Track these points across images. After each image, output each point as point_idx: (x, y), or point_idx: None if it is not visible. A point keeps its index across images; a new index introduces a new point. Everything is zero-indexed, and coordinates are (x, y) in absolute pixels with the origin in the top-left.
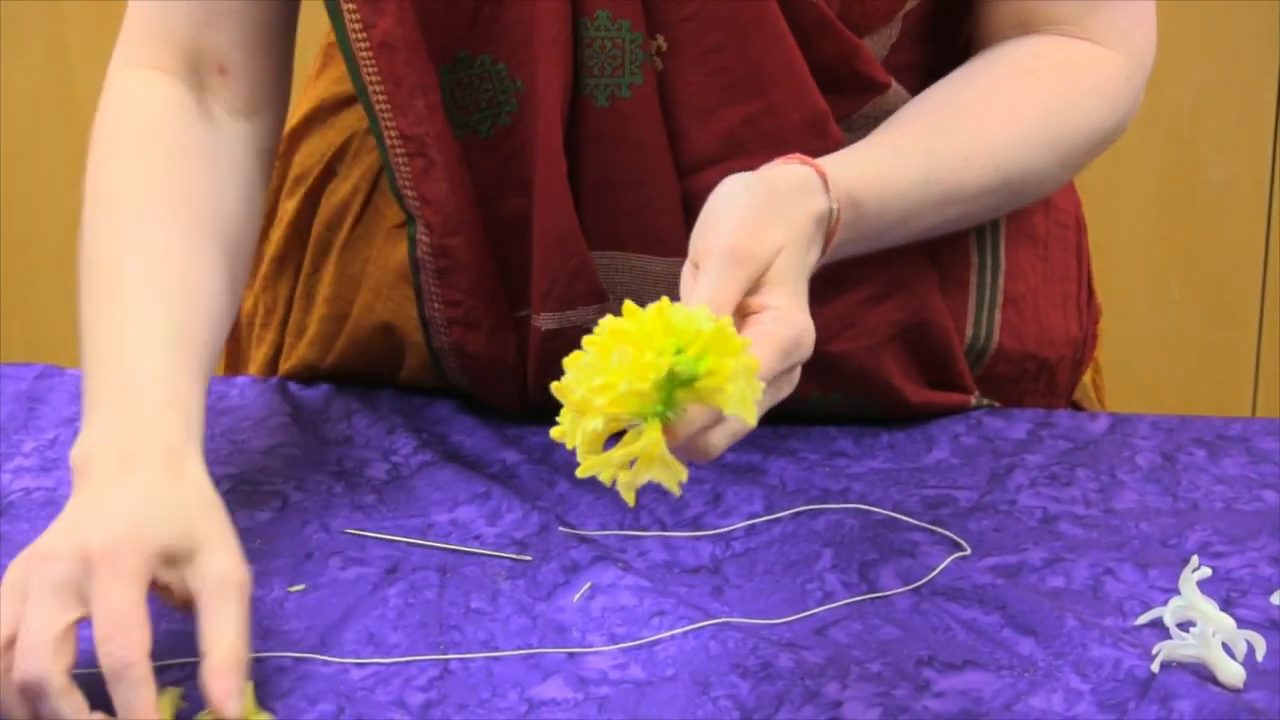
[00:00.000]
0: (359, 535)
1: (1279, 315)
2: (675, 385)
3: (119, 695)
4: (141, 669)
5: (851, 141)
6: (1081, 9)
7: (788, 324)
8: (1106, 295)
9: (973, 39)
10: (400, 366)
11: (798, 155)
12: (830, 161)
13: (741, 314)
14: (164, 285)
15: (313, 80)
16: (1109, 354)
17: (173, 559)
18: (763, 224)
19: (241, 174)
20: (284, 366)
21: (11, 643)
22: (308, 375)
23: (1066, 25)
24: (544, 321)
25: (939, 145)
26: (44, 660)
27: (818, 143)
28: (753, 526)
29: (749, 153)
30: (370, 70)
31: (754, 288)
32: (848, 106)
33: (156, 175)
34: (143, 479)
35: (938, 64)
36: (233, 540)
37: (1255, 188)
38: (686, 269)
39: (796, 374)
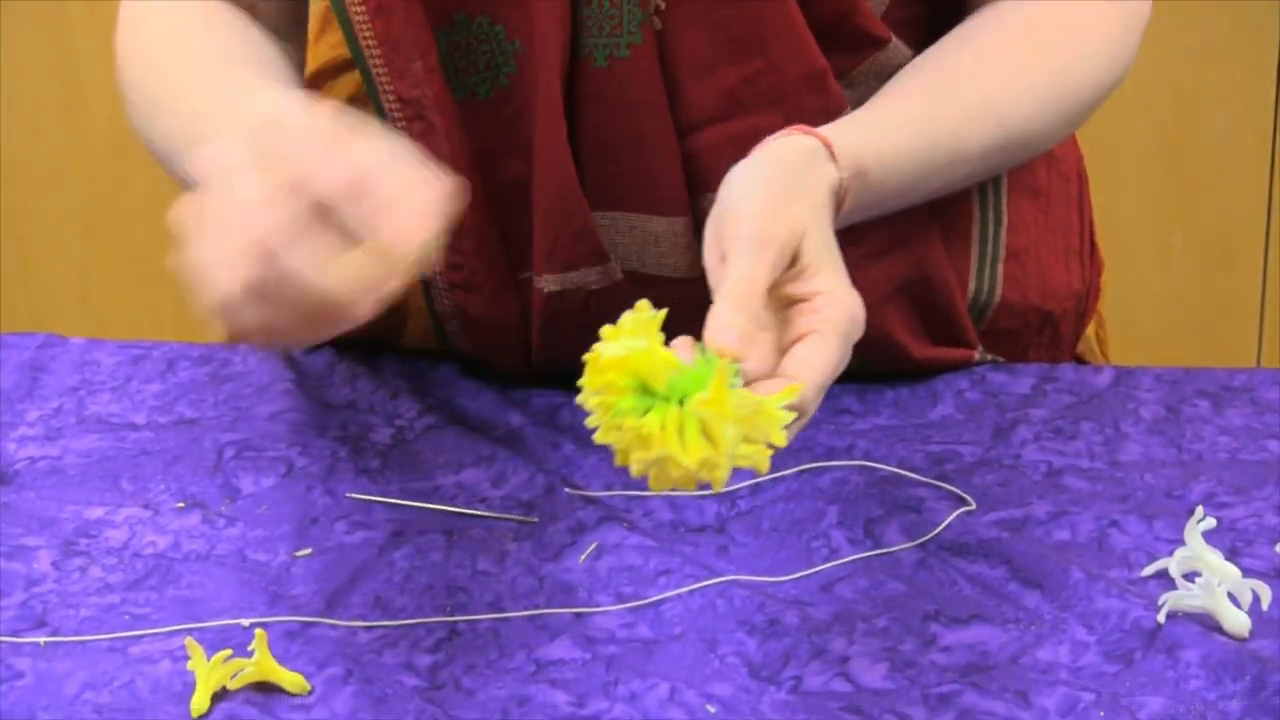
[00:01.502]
0: (364, 500)
1: None
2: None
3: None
4: None
5: (853, 99)
6: None
7: (839, 307)
8: (1110, 248)
9: None
10: (403, 331)
11: (800, 126)
12: (833, 131)
13: (787, 303)
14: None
15: (311, 46)
16: (1112, 306)
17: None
18: (783, 205)
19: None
20: None
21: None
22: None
23: None
24: (546, 283)
25: (941, 109)
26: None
27: (818, 99)
28: (758, 485)
29: (749, 111)
30: (366, 34)
31: (792, 273)
32: (848, 62)
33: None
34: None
35: (936, 19)
36: None
37: (1258, 138)
38: (712, 261)
39: (850, 349)
